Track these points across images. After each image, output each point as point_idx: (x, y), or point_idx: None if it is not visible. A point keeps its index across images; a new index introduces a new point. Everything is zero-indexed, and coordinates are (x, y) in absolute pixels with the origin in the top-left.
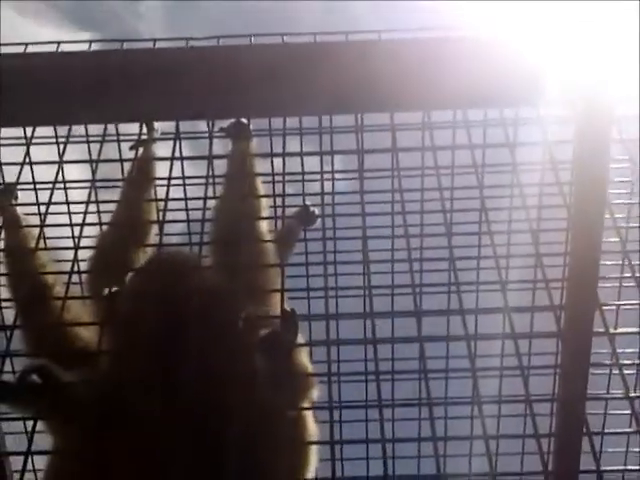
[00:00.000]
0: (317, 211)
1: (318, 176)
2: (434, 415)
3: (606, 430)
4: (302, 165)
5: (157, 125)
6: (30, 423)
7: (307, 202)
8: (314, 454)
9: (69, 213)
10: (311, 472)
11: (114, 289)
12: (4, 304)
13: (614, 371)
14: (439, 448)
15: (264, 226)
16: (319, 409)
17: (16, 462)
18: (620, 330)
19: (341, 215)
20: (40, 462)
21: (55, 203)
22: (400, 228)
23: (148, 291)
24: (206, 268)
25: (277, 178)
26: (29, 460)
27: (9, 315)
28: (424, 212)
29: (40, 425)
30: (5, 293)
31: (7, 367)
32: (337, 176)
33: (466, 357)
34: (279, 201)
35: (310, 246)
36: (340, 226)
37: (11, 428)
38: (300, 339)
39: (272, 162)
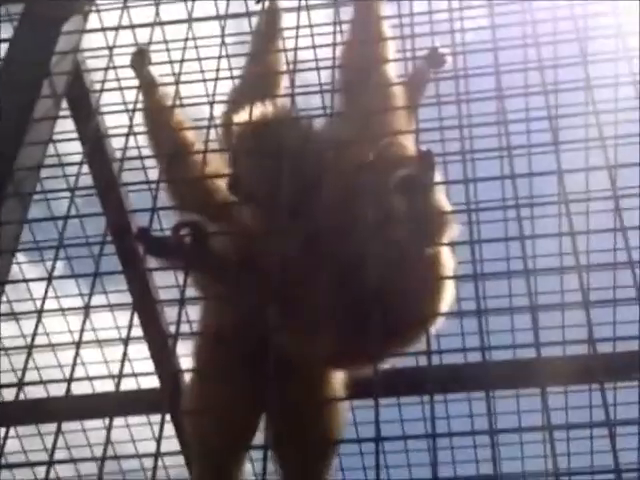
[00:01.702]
0: (447, 51)
1: (446, 15)
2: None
3: None
4: (429, 5)
5: None
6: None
7: (436, 43)
8: (452, 289)
9: (202, 71)
10: (449, 307)
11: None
12: (147, 162)
13: None
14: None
15: (393, 70)
16: (460, 244)
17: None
18: None
19: (472, 52)
20: (195, 315)
21: (187, 60)
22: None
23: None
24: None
25: (404, 20)
26: (183, 311)
27: (152, 173)
28: (557, 42)
29: (191, 278)
30: (148, 151)
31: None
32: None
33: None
34: (408, 44)
35: (442, 87)
36: (472, 65)
37: (163, 283)
38: (437, 178)
39: (398, 4)
